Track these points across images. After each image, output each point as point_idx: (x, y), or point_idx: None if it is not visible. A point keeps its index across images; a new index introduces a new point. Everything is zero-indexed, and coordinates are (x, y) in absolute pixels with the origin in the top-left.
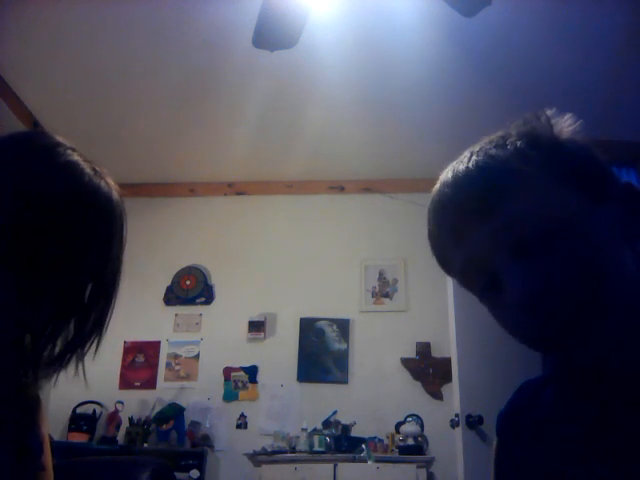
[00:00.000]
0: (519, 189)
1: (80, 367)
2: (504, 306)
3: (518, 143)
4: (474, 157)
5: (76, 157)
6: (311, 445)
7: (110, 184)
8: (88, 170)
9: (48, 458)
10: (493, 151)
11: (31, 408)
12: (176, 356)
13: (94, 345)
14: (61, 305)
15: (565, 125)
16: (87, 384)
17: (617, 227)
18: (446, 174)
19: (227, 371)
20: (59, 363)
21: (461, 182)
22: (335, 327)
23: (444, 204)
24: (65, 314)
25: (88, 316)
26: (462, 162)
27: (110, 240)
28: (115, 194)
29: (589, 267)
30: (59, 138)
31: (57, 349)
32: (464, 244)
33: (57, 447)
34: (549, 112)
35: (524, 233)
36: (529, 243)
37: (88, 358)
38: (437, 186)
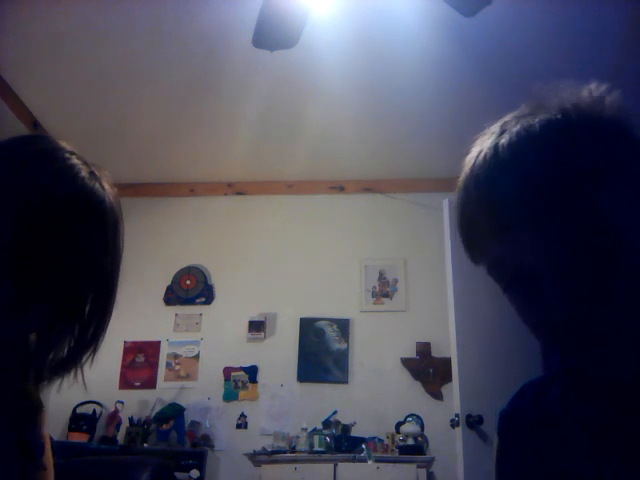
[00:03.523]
0: (586, 197)
1: (80, 373)
2: (534, 301)
3: (582, 132)
4: (534, 138)
5: (74, 161)
6: (311, 445)
7: (106, 188)
8: (83, 173)
9: (49, 458)
10: (556, 140)
11: (33, 410)
12: (176, 356)
13: (92, 353)
14: (58, 310)
15: (608, 101)
16: (86, 388)
17: None
18: (492, 150)
19: (227, 371)
20: (60, 370)
21: (512, 172)
22: (335, 327)
23: (486, 195)
24: (65, 320)
25: (89, 324)
26: (519, 142)
27: (102, 242)
28: (109, 198)
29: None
30: (60, 142)
31: (59, 355)
32: (502, 247)
33: (57, 447)
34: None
35: (577, 256)
36: (581, 266)
37: (87, 363)
38: (479, 160)
